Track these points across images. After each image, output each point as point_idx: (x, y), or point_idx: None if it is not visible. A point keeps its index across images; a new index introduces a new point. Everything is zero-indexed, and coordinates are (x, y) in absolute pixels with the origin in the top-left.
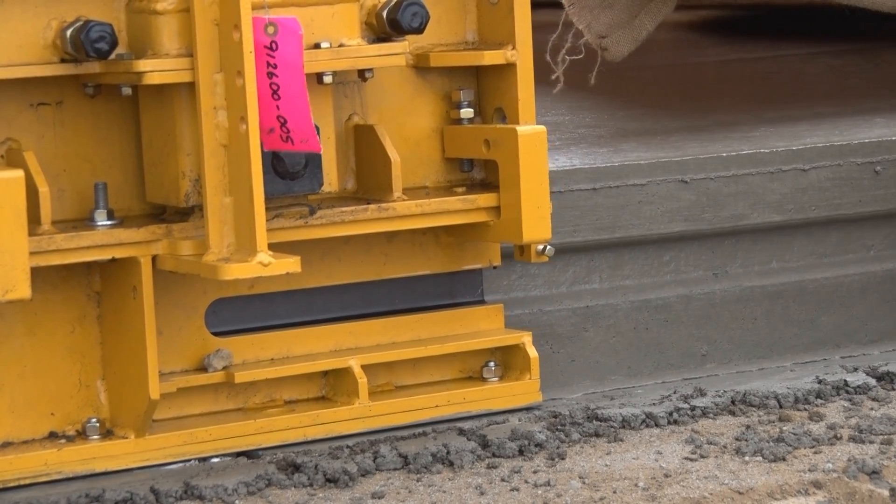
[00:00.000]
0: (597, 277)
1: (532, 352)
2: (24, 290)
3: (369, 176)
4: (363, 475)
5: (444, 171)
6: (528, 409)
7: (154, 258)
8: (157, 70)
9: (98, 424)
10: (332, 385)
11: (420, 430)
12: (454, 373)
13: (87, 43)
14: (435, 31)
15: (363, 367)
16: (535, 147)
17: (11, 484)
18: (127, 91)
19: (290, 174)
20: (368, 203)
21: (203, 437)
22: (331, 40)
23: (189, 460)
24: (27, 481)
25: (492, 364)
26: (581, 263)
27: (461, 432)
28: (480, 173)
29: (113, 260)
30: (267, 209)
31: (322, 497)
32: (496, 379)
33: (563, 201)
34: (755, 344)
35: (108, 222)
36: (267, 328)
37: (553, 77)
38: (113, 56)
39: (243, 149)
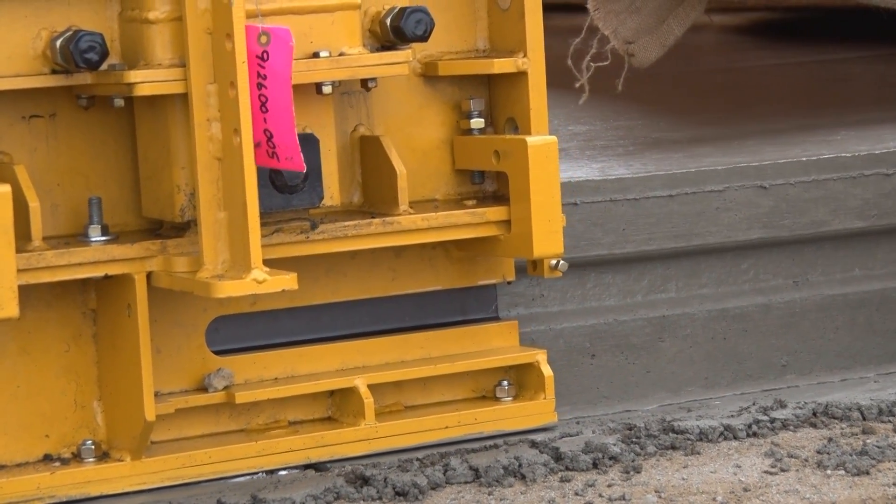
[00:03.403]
0: (673, 286)
1: (547, 370)
2: (11, 309)
3: (375, 189)
4: (433, 488)
5: (455, 183)
6: (542, 430)
7: (149, 275)
8: (148, 81)
9: (94, 447)
10: (339, 405)
11: (490, 442)
12: (466, 392)
13: (76, 53)
14: (444, 38)
15: (371, 386)
16: (546, 158)
17: None
18: (119, 102)
19: (288, 188)
20: (373, 217)
21: (202, 459)
22: (330, 49)
23: (179, 485)
24: None
25: (505, 383)
26: (657, 272)
27: (533, 444)
28: (492, 185)
29: (107, 277)
30: (267, 224)
31: None
32: (510, 399)
33: (639, 209)
34: (837, 354)
35: (102, 238)
36: (270, 346)
37: (577, 85)
38: (105, 66)
39: (237, 162)
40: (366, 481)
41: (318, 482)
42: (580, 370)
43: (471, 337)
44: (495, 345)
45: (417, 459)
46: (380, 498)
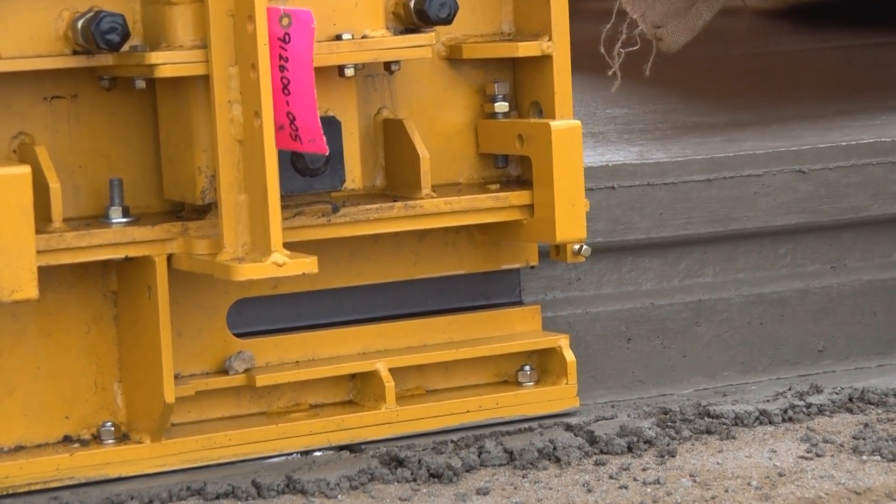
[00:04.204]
0: (710, 271)
1: (569, 355)
2: (30, 290)
3: (398, 172)
4: (468, 470)
5: (479, 167)
6: (563, 415)
7: (170, 257)
8: (169, 62)
9: (113, 428)
10: (359, 389)
11: (525, 425)
12: (489, 377)
13: (97, 34)
14: (469, 21)
15: (392, 370)
16: (570, 143)
17: (22, 489)
18: (141, 84)
19: (309, 171)
20: (395, 200)
21: (222, 441)
22: (353, 31)
23: (203, 467)
24: (38, 487)
25: (527, 368)
26: (694, 256)
27: (568, 427)
28: (516, 170)
29: (127, 259)
30: (288, 207)
31: (426, 492)
32: (531, 384)
33: (677, 193)
34: (874, 339)
35: (123, 220)
36: (292, 329)
37: (610, 73)
38: (126, 48)
39: (258, 144)
40: (400, 463)
41: (353, 463)
42: (616, 354)
43: (493, 321)
44: (518, 329)
45: (452, 441)
46: (414, 479)
